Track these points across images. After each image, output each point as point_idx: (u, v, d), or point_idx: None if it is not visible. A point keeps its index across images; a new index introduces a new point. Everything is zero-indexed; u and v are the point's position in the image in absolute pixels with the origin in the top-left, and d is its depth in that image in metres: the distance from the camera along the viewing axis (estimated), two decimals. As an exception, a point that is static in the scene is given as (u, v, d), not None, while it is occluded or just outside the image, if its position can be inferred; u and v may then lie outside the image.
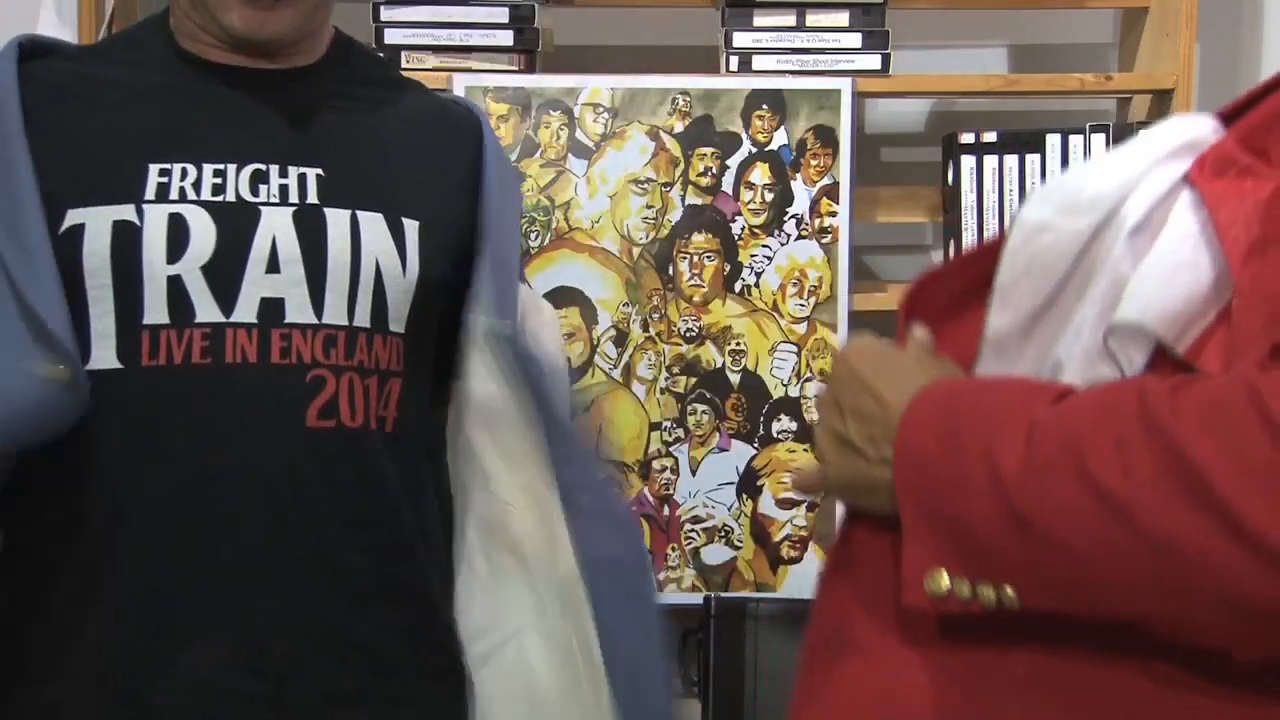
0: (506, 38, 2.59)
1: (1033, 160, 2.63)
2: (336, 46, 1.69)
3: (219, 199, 1.55)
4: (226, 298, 1.52)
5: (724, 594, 2.53)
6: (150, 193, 1.53)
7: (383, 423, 1.58)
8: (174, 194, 1.54)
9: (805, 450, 2.58)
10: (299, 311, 1.54)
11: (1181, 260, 0.97)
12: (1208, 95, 2.65)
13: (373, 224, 1.59)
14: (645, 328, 2.56)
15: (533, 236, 2.55)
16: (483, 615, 1.63)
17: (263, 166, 1.57)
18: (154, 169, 1.55)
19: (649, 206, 2.56)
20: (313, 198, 1.58)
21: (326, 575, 1.55)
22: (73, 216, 1.51)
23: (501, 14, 2.59)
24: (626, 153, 2.55)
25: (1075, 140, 2.63)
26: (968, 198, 2.62)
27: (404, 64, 2.58)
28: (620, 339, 2.56)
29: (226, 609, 1.51)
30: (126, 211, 1.52)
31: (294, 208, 1.57)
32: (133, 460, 1.51)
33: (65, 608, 1.53)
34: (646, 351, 2.56)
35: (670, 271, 2.56)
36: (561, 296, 2.56)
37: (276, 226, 1.55)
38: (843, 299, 2.57)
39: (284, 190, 1.57)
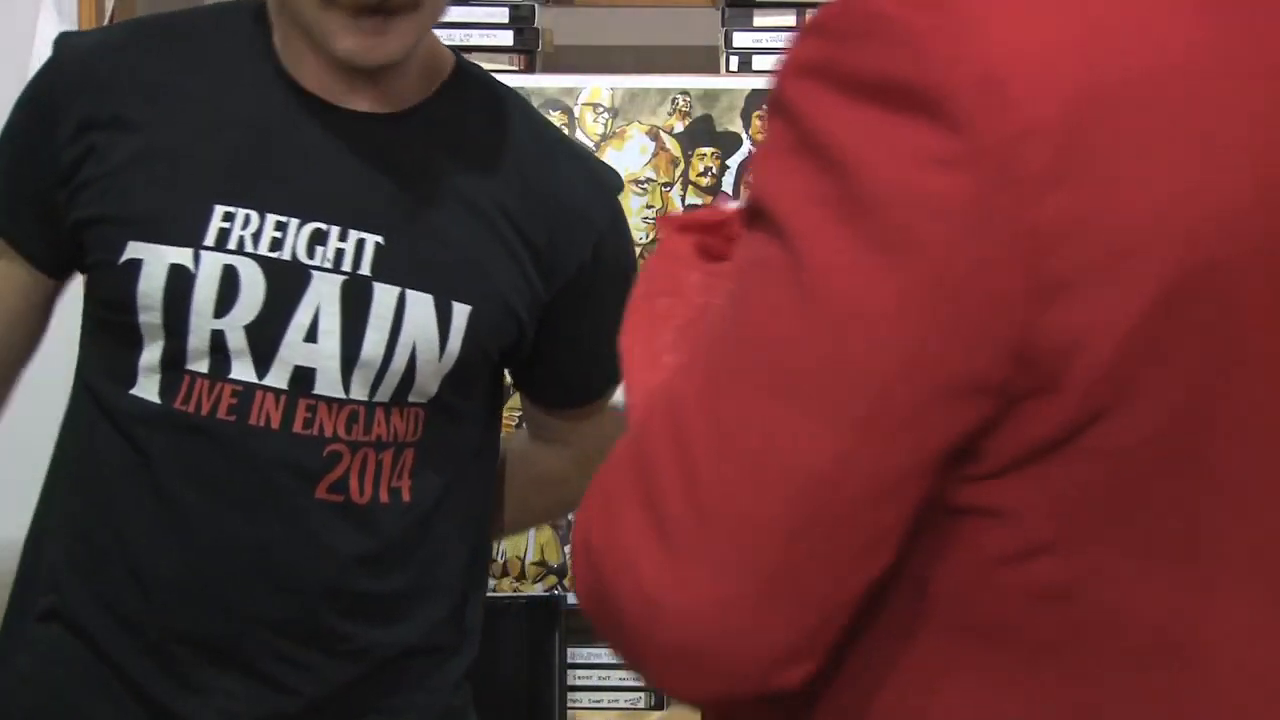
0: (506, 38, 2.58)
1: (1033, 160, 2.62)
2: (455, 79, 1.62)
3: (275, 255, 1.52)
4: (262, 359, 1.52)
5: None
6: (210, 238, 1.52)
7: (397, 494, 1.59)
8: (232, 243, 1.52)
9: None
10: (328, 385, 1.54)
11: None
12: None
13: (419, 306, 1.55)
14: (645, 328, 2.56)
15: (533, 236, 2.55)
16: None
17: (324, 226, 1.54)
18: (219, 211, 1.53)
19: (649, 206, 2.55)
20: (365, 268, 1.54)
21: (313, 639, 1.57)
22: (132, 250, 1.52)
23: (501, 14, 2.58)
24: (626, 153, 2.55)
25: (1075, 140, 2.62)
26: (968, 198, 2.62)
27: (404, 64, 2.58)
28: (620, 339, 2.56)
29: (211, 659, 1.56)
30: (184, 256, 1.51)
31: (345, 277, 1.54)
32: (148, 494, 1.55)
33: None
34: (646, 351, 2.56)
35: (670, 271, 2.56)
36: (561, 296, 2.56)
37: (323, 295, 1.53)
38: (843, 299, 2.57)
39: (339, 256, 1.54)
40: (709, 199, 2.56)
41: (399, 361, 1.55)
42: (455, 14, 2.57)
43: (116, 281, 1.53)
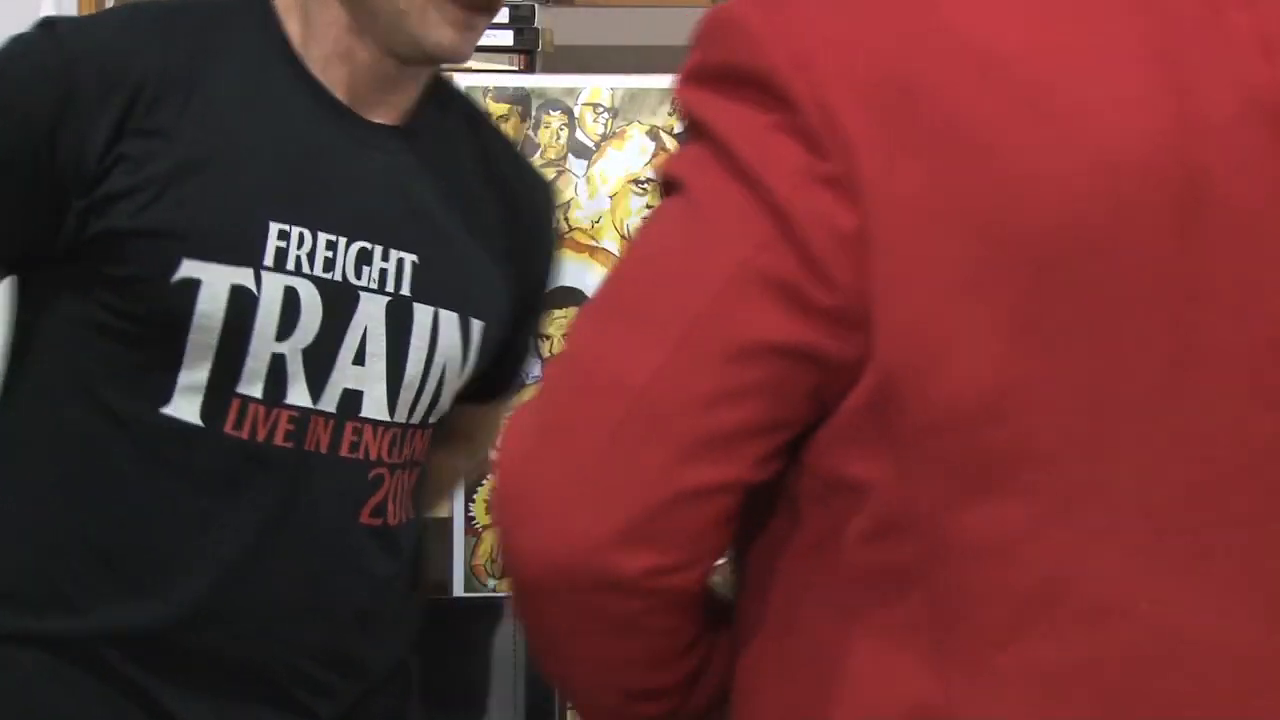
0: (506, 38, 2.58)
1: (1033, 160, 2.62)
2: (436, 93, 1.61)
3: (328, 276, 1.50)
4: (316, 383, 1.50)
5: (724, 594, 2.53)
6: (269, 258, 1.47)
7: (409, 513, 1.60)
8: (290, 263, 1.48)
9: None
10: (374, 407, 1.53)
11: None
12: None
13: (449, 325, 1.56)
14: (645, 328, 2.56)
15: (533, 236, 2.55)
16: None
17: (369, 245, 1.52)
18: (274, 229, 1.48)
19: (649, 207, 2.55)
20: (406, 289, 1.54)
21: (336, 661, 1.56)
22: (188, 268, 1.45)
23: (501, 14, 2.58)
24: (626, 153, 2.55)
25: (1075, 140, 2.63)
26: (968, 198, 2.62)
27: (404, 64, 2.58)
28: (620, 339, 2.56)
29: (233, 681, 1.52)
30: (245, 276, 1.46)
31: (389, 298, 1.53)
32: (185, 516, 1.49)
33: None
34: (646, 351, 2.56)
35: (670, 271, 2.56)
36: (561, 296, 2.55)
37: (371, 316, 1.52)
38: (843, 299, 2.57)
39: (383, 276, 1.53)
40: (709, 199, 2.56)
41: (433, 382, 1.56)
42: (455, 14, 2.57)
43: (166, 299, 1.45)
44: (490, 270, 1.61)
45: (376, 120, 1.55)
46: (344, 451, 1.51)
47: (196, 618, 1.50)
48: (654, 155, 2.55)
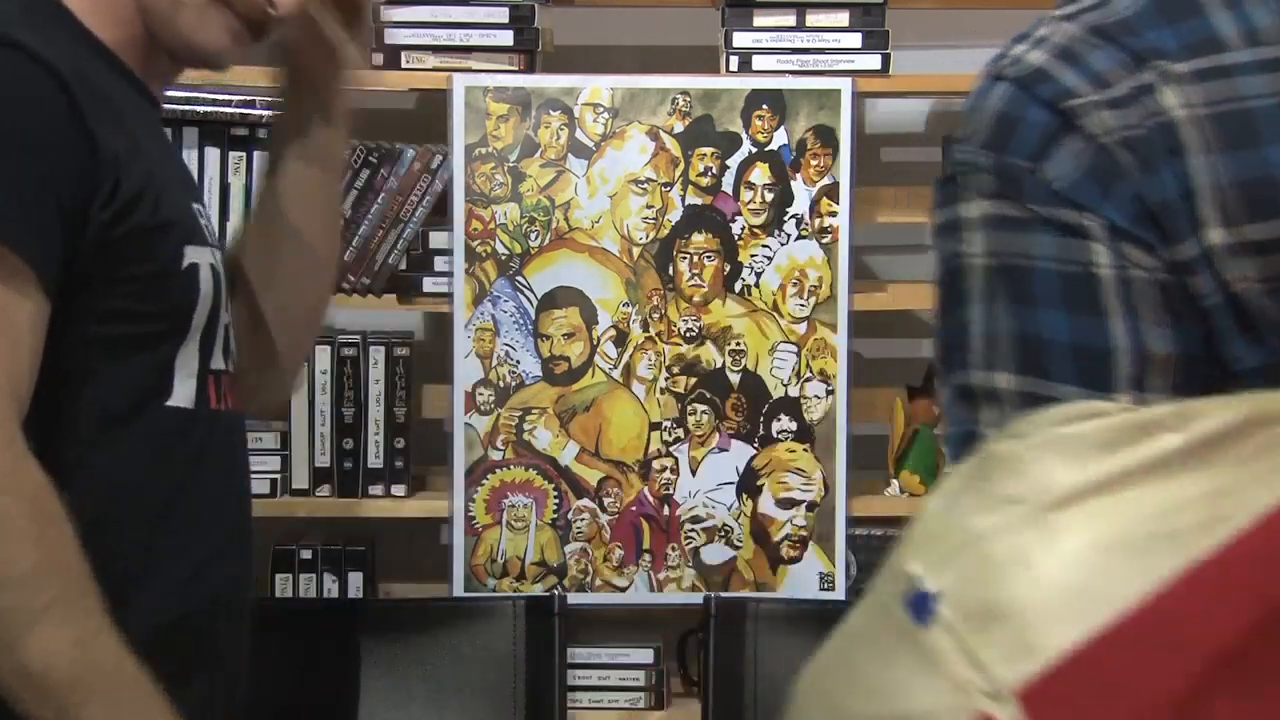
0: (506, 38, 2.59)
1: (1033, 160, 2.62)
2: None
3: (214, 241, 1.57)
4: (226, 346, 1.57)
5: (724, 594, 2.53)
6: (208, 235, 1.54)
7: None
8: (210, 238, 1.55)
9: (805, 450, 2.58)
10: (234, 358, 1.61)
11: None
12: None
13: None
14: (645, 328, 2.56)
15: (533, 236, 2.55)
16: None
17: (199, 205, 1.59)
18: (195, 207, 1.55)
19: (649, 206, 2.56)
20: (216, 236, 1.61)
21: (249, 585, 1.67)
22: (190, 254, 1.49)
23: (501, 14, 2.59)
24: (626, 153, 2.55)
25: (1075, 140, 2.62)
26: (968, 198, 2.62)
27: (404, 64, 2.58)
28: (620, 339, 2.56)
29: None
30: (210, 255, 1.53)
31: (220, 248, 1.58)
32: (172, 500, 1.51)
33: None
34: (646, 351, 2.56)
35: (670, 271, 2.56)
36: (561, 296, 2.56)
37: (221, 269, 1.57)
38: (843, 299, 2.57)
39: (210, 229, 1.58)
40: (709, 199, 2.56)
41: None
42: (455, 14, 2.57)
43: (183, 288, 1.49)
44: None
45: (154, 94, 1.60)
46: (236, 405, 1.60)
47: (242, 578, 1.62)
48: (654, 155, 2.55)
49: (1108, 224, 0.99)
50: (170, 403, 1.49)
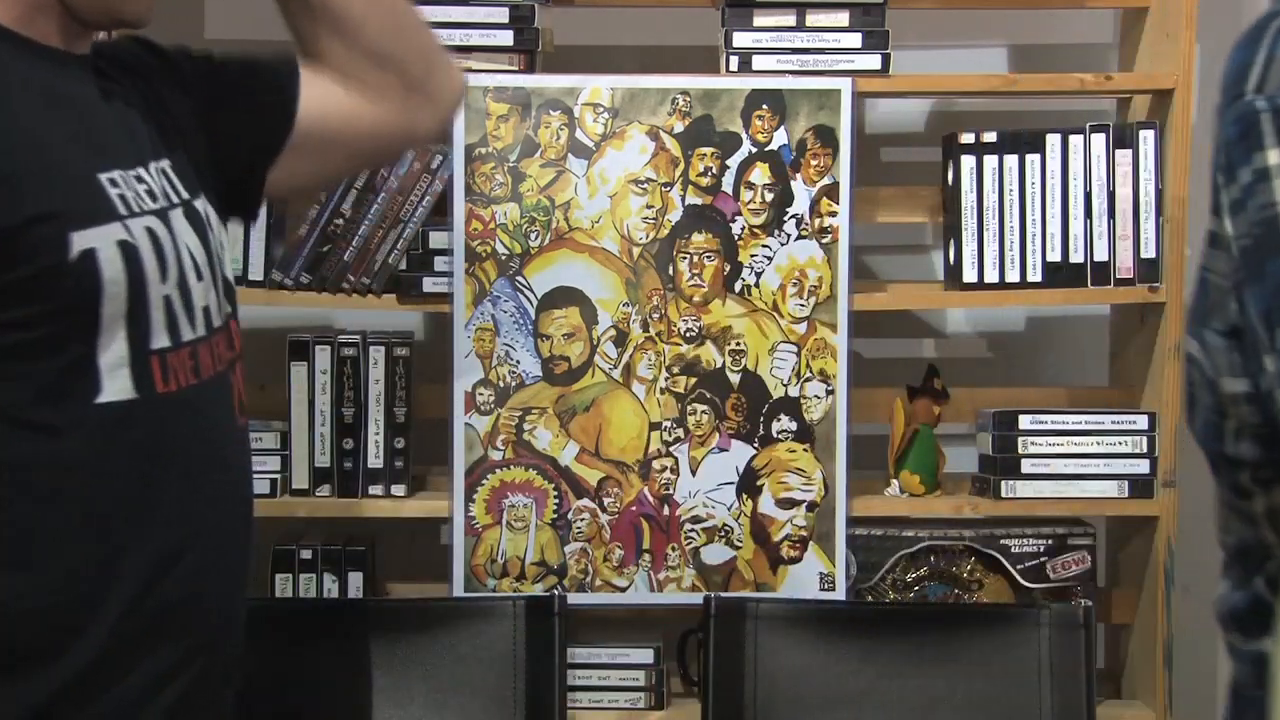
0: (506, 38, 2.58)
1: (1033, 160, 2.62)
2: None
3: (157, 206, 1.49)
4: (190, 313, 1.50)
5: (724, 594, 2.53)
6: (121, 207, 1.45)
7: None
8: (134, 206, 1.46)
9: (805, 450, 2.58)
10: (216, 315, 1.55)
11: None
12: (1208, 95, 2.65)
13: (203, 208, 1.58)
14: (645, 328, 2.56)
15: (533, 236, 2.54)
16: None
17: (147, 165, 1.52)
18: (103, 179, 1.45)
19: (649, 206, 2.55)
20: (184, 192, 1.55)
21: (246, 553, 1.63)
22: (79, 240, 1.39)
23: (501, 14, 2.58)
24: (626, 153, 2.55)
25: (1075, 140, 2.62)
26: (968, 198, 2.62)
27: (404, 64, 2.58)
28: (620, 339, 2.56)
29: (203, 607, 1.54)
30: (120, 231, 1.43)
31: (182, 206, 1.52)
32: (139, 492, 1.46)
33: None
34: (646, 351, 2.56)
35: (670, 271, 2.56)
36: (561, 296, 2.55)
37: (183, 230, 1.52)
38: (843, 299, 2.57)
39: (168, 189, 1.52)
40: (709, 199, 2.56)
41: (221, 269, 1.60)
42: (455, 14, 2.57)
43: (77, 279, 1.39)
44: (190, 143, 1.62)
45: (78, 53, 1.53)
46: (216, 367, 1.54)
47: (221, 563, 1.56)
48: (654, 155, 2.55)
49: None
50: (101, 399, 1.42)
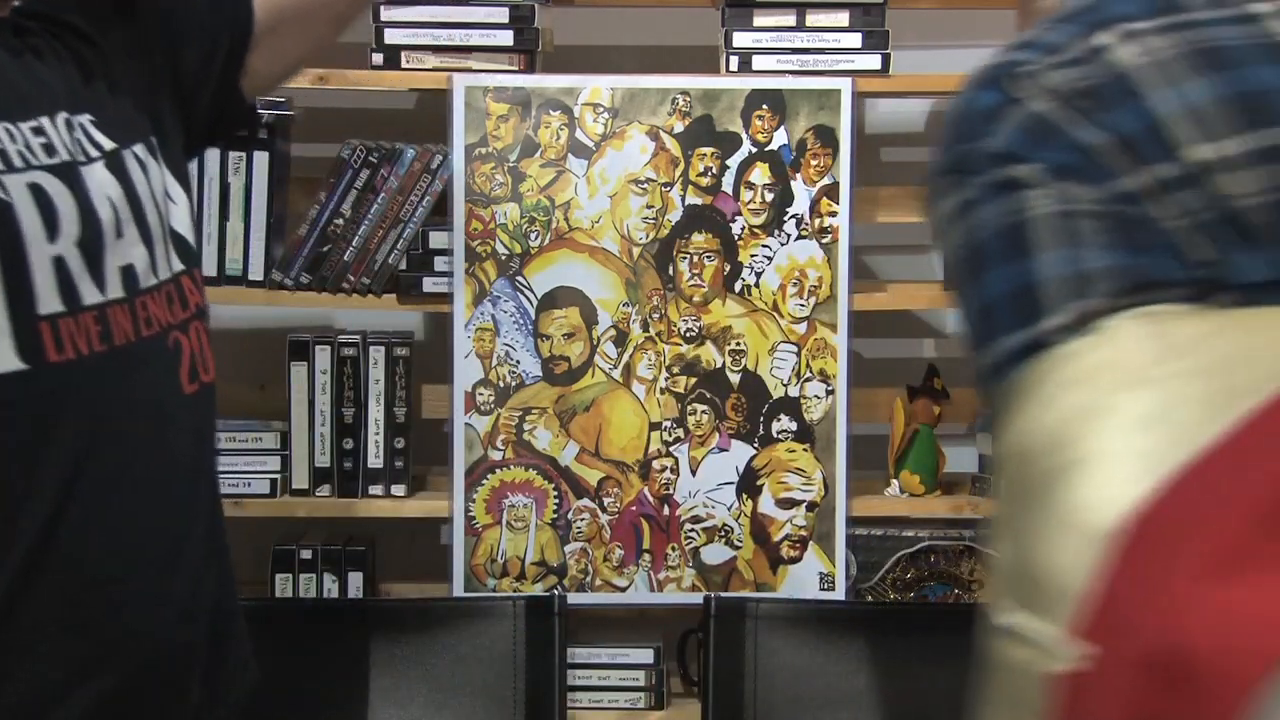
0: (506, 38, 2.59)
1: (1033, 160, 2.62)
2: None
3: (56, 160, 1.39)
4: (97, 274, 1.40)
5: (724, 594, 2.53)
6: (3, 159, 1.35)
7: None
8: (16, 160, 1.36)
9: (805, 450, 2.58)
10: (146, 274, 1.45)
11: None
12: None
13: (141, 156, 1.49)
14: (645, 328, 2.56)
15: (533, 236, 2.55)
16: None
17: (55, 118, 1.42)
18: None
19: (649, 206, 2.56)
20: (107, 144, 1.45)
21: (205, 535, 1.53)
22: None
23: (501, 14, 2.58)
24: (626, 153, 2.55)
25: (1075, 140, 2.62)
26: (968, 198, 2.62)
27: (404, 64, 2.58)
28: (620, 339, 2.56)
29: (154, 581, 1.46)
30: (3, 188, 1.34)
31: (103, 159, 1.44)
32: (43, 466, 1.36)
33: None
34: (646, 351, 2.56)
35: (670, 271, 2.56)
36: (561, 296, 2.56)
37: (103, 184, 1.42)
38: (843, 299, 2.57)
39: (84, 142, 1.43)
40: (709, 199, 2.56)
41: (167, 219, 1.50)
42: (455, 14, 2.57)
43: None
44: (117, 89, 1.53)
45: None
46: (144, 331, 1.43)
47: (90, 557, 1.42)
48: (654, 155, 2.55)
49: (1044, 167, 1.03)
50: None
